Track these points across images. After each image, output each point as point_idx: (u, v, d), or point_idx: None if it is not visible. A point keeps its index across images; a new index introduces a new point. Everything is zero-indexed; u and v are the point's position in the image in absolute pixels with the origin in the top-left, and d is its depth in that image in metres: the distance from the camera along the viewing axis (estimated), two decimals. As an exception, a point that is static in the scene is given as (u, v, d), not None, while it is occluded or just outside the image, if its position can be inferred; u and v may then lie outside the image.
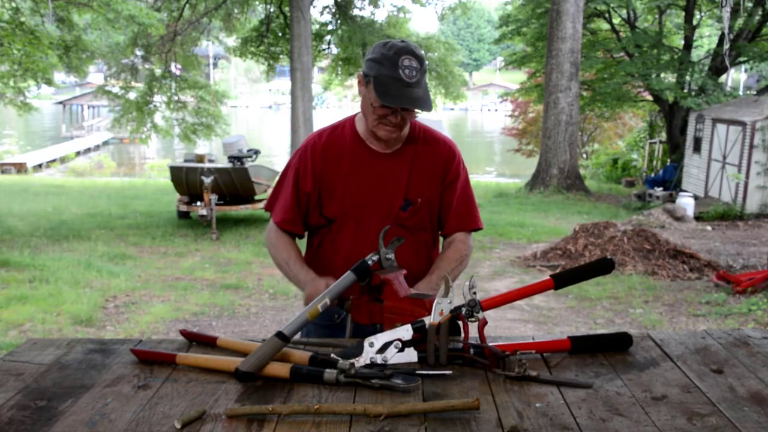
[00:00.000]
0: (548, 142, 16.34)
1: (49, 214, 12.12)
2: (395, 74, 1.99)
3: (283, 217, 2.24)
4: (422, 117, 2.25)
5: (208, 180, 9.83)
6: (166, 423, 1.47)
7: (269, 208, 2.32)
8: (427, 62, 2.06)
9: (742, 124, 12.94)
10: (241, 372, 1.63)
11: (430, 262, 2.28)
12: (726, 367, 1.80)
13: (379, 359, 1.75)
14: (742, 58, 16.47)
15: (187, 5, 18.70)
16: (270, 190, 2.35)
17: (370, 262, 1.93)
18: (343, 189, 2.17)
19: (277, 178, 2.41)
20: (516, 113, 24.92)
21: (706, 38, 23.99)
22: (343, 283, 1.90)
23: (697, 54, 20.15)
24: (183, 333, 2.02)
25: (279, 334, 1.72)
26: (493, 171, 25.98)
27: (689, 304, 6.78)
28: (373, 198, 2.17)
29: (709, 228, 11.40)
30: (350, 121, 2.25)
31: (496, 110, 55.98)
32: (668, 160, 17.23)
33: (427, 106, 2.04)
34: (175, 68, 19.78)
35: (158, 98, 19.04)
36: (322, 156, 2.19)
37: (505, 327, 5.97)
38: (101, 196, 14.85)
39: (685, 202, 12.38)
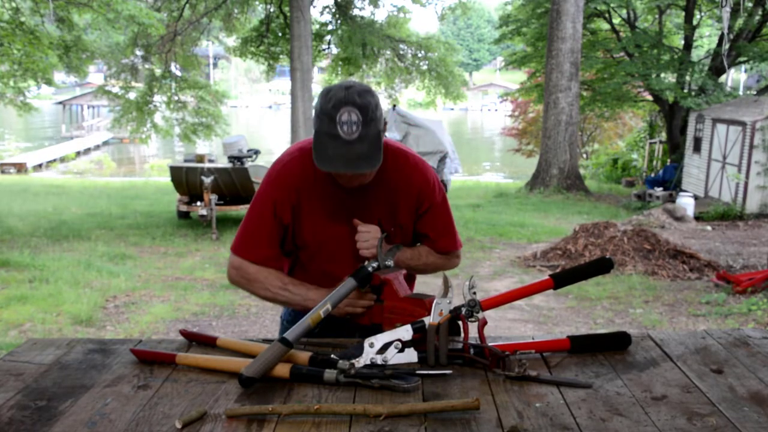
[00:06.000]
0: (548, 142, 16.34)
1: (49, 214, 12.12)
2: (333, 131, 1.81)
3: (266, 254, 2.07)
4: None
5: (208, 180, 9.83)
6: (166, 423, 1.47)
7: (238, 250, 2.09)
8: (374, 108, 1.84)
9: (742, 124, 12.93)
10: (245, 377, 1.64)
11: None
12: (726, 367, 1.80)
13: (379, 359, 1.75)
14: (742, 58, 16.46)
15: (187, 5, 18.71)
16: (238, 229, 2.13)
17: (370, 269, 1.92)
18: (316, 218, 2.06)
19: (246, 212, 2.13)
20: (516, 113, 24.89)
21: (706, 38, 23.98)
22: (344, 289, 1.90)
23: (697, 54, 20.13)
24: (183, 333, 2.02)
25: (283, 340, 1.72)
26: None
27: (689, 304, 6.77)
28: (345, 227, 2.05)
29: (709, 228, 11.40)
30: None
31: (496, 110, 55.93)
32: (668, 160, 17.21)
33: (369, 164, 1.83)
34: (175, 68, 19.79)
35: (158, 98, 19.06)
36: (296, 186, 2.03)
37: (505, 327, 5.97)
38: (101, 196, 14.84)
39: (685, 202, 12.38)
